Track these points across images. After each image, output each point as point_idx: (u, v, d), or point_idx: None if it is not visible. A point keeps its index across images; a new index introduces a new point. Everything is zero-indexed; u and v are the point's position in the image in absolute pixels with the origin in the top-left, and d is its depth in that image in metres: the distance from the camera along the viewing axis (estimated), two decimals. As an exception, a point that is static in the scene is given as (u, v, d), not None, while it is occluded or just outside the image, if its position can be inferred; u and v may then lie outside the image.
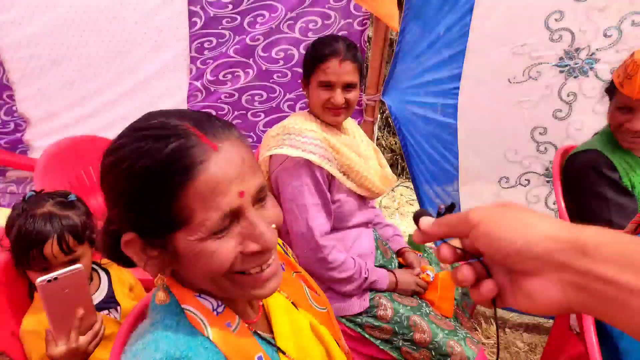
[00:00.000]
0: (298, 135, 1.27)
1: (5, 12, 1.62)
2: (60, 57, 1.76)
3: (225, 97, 1.96)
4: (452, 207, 0.52)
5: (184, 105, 1.95)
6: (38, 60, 1.74)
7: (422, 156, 2.11)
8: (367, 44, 1.94)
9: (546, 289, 0.38)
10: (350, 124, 1.50)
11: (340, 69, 1.26)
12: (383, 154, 1.60)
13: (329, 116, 1.33)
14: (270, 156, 1.32)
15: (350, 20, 1.86)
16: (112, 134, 1.85)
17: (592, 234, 0.37)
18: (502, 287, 0.43)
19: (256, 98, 1.98)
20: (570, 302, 0.37)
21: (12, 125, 1.94)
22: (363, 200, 1.43)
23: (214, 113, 2.04)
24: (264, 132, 2.09)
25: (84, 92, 1.87)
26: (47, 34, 1.69)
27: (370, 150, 1.50)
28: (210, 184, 0.51)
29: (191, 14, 1.75)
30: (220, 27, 1.79)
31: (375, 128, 2.11)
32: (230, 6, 1.74)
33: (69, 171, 1.68)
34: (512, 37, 1.77)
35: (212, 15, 1.75)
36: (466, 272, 0.44)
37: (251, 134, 2.09)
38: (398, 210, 3.38)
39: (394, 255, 1.48)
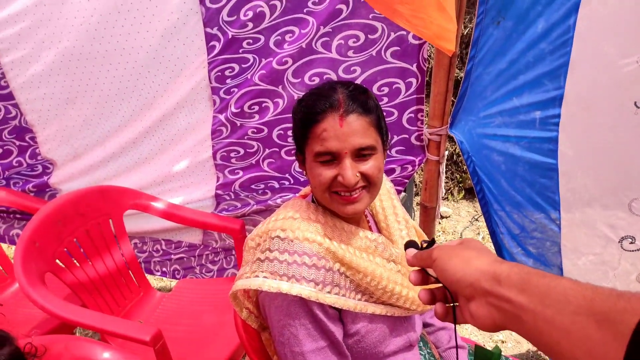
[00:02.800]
0: (284, 252, 0.84)
1: (13, 50, 1.51)
2: (74, 96, 1.60)
3: (254, 132, 1.65)
4: (432, 243, 0.65)
5: (207, 143, 1.69)
6: (51, 99, 1.61)
7: (506, 205, 1.57)
8: (428, 62, 1.49)
9: (480, 309, 0.49)
10: (377, 197, 1.05)
11: (342, 129, 0.82)
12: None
13: (339, 207, 0.87)
14: None
15: (404, 33, 1.44)
16: (137, 175, 1.46)
17: (506, 268, 0.47)
18: (462, 308, 0.53)
19: (289, 133, 1.64)
20: (495, 320, 0.47)
21: (39, 168, 1.84)
22: (401, 318, 0.99)
23: (241, 152, 1.75)
24: (300, 173, 1.74)
25: (102, 132, 1.70)
26: (56, 71, 1.55)
27: (413, 238, 1.03)
28: None
29: (209, 38, 1.48)
30: (241, 51, 1.49)
31: (442, 169, 1.63)
32: (250, 24, 1.44)
33: (70, 233, 1.48)
34: (642, 43, 1.20)
35: (230, 37, 1.46)
36: (422, 294, 0.60)
37: (286, 175, 1.75)
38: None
39: None
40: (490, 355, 1.11)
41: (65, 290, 1.58)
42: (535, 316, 0.42)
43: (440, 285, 0.58)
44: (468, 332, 2.08)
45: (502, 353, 1.18)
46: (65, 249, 1.46)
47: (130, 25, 1.46)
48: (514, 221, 1.53)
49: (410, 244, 0.67)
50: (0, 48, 1.51)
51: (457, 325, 0.60)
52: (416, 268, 0.64)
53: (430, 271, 0.60)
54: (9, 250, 2.18)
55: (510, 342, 2.04)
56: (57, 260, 1.44)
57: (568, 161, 1.42)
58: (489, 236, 1.66)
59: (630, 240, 1.32)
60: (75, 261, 1.51)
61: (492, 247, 1.68)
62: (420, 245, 0.67)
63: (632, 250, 1.32)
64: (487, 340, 2.05)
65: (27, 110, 1.65)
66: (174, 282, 2.34)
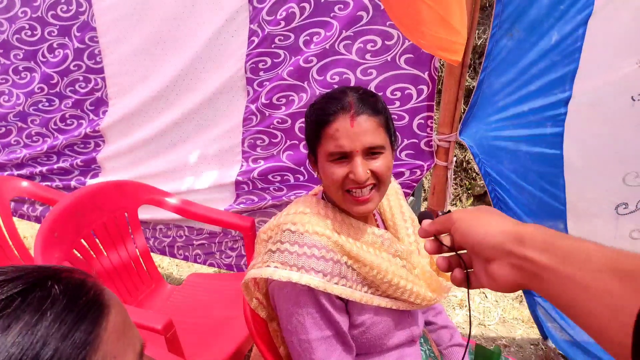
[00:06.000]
0: (294, 244, 0.89)
1: (111, 32, 1.89)
2: (150, 75, 1.90)
3: (278, 122, 1.81)
4: (447, 213, 0.63)
5: (239, 129, 1.88)
6: (132, 76, 1.93)
7: (519, 196, 1.54)
8: (439, 71, 1.58)
9: (501, 270, 0.50)
10: (385, 196, 1.10)
11: (353, 129, 0.87)
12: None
13: (352, 206, 0.92)
14: None
15: (418, 40, 1.55)
16: (172, 156, 1.84)
17: (530, 229, 0.49)
18: (477, 272, 0.55)
19: (307, 127, 1.77)
20: (516, 279, 0.49)
21: (92, 145, 2.14)
22: (405, 313, 1.03)
23: (266, 140, 1.91)
24: (313, 167, 1.83)
25: (154, 113, 1.97)
26: (140, 51, 1.87)
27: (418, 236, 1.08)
28: None
29: (251, 33, 1.74)
30: (273, 46, 1.72)
31: (450, 174, 1.62)
32: (283, 23, 1.67)
33: (87, 225, 1.55)
34: (640, 46, 1.22)
35: (266, 32, 1.71)
36: (440, 261, 0.61)
37: (301, 169, 1.85)
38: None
39: None
40: (490, 354, 1.08)
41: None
42: (556, 274, 0.43)
43: (453, 253, 0.61)
44: (472, 335, 1.96)
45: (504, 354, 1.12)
46: (82, 240, 1.53)
47: (200, 15, 1.76)
48: (530, 211, 1.50)
49: (425, 215, 0.68)
50: (101, 30, 1.91)
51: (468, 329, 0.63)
52: (428, 240, 0.65)
53: (446, 239, 0.62)
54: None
55: (513, 346, 1.91)
56: (75, 251, 1.50)
57: (575, 172, 1.40)
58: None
59: (624, 205, 1.35)
60: (91, 252, 1.58)
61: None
62: (436, 215, 0.70)
63: (625, 214, 1.37)
64: (489, 343, 1.94)
65: (110, 83, 1.99)
66: (184, 276, 2.44)
